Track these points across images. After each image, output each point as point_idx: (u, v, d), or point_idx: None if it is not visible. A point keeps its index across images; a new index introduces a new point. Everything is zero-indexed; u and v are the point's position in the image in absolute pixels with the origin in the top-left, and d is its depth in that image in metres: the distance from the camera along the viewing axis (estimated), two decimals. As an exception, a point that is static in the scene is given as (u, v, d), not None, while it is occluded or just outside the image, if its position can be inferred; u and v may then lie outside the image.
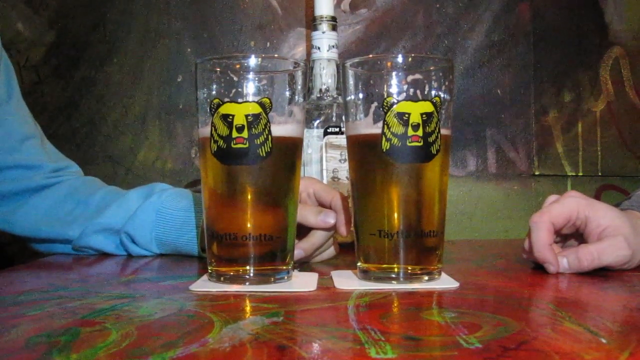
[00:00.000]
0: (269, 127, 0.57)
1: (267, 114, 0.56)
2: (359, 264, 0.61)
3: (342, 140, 0.90)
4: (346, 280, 0.60)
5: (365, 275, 0.60)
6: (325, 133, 0.91)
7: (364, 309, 0.48)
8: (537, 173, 1.21)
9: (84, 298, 0.53)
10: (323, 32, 0.96)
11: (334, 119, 0.93)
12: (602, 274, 0.62)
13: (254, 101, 0.56)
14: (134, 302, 0.50)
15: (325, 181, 0.91)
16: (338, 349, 0.37)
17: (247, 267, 0.58)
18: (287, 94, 0.59)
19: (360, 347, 0.37)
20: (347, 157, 0.64)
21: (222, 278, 0.58)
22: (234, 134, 0.56)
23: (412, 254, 0.58)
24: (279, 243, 0.59)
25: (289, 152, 0.60)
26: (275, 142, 0.57)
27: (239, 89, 0.57)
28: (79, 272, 0.74)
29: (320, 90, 0.96)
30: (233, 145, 0.56)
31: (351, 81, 0.60)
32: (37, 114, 0.93)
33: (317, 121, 0.92)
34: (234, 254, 0.58)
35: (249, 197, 0.58)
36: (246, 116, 0.56)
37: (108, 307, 0.49)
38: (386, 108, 0.57)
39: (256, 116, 0.56)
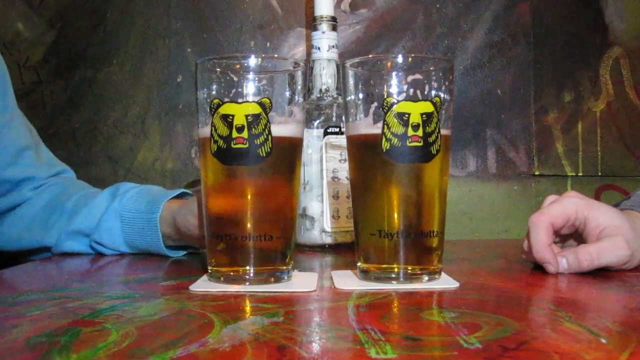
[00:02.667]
0: (269, 127, 0.57)
1: (267, 114, 0.56)
2: (359, 264, 0.61)
3: (342, 140, 0.90)
4: (346, 280, 0.60)
5: (365, 275, 0.60)
6: (325, 133, 0.91)
7: (364, 309, 0.48)
8: (537, 173, 1.21)
9: (84, 298, 0.53)
10: (323, 32, 0.96)
11: (334, 119, 0.93)
12: (602, 274, 0.62)
13: (254, 101, 0.56)
14: (134, 302, 0.50)
15: (325, 181, 0.91)
16: (338, 349, 0.37)
17: (247, 267, 0.58)
18: (287, 94, 0.59)
19: (360, 347, 0.37)
20: (347, 157, 0.64)
21: (222, 278, 0.58)
22: (234, 134, 0.56)
23: (412, 254, 0.58)
24: (279, 243, 0.59)
25: (289, 152, 0.60)
26: (275, 142, 0.57)
27: (239, 89, 0.57)
28: (79, 272, 0.74)
29: (320, 90, 0.95)
30: (233, 145, 0.56)
31: (351, 81, 0.60)
32: (37, 114, 0.94)
33: (317, 121, 0.92)
34: (234, 254, 0.58)
35: (249, 197, 0.58)
36: (246, 116, 0.56)
37: (108, 307, 0.49)
38: (386, 108, 0.57)
39: (256, 116, 0.56)
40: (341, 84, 0.62)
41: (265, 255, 0.58)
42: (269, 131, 0.57)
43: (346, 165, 0.87)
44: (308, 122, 0.92)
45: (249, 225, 0.58)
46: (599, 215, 0.62)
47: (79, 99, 1.18)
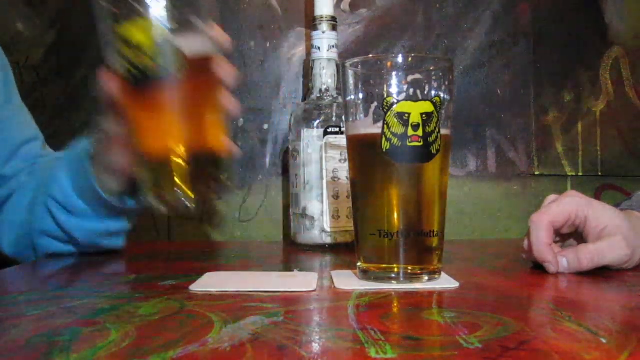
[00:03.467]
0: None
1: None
2: (359, 264, 0.61)
3: (342, 140, 0.90)
4: (346, 280, 0.60)
5: (365, 275, 0.60)
6: (325, 133, 0.91)
7: (364, 309, 0.48)
8: (537, 173, 1.21)
9: (84, 298, 0.53)
10: (323, 32, 0.96)
11: (334, 119, 0.93)
12: (602, 274, 0.62)
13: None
14: (134, 302, 0.50)
15: (325, 181, 0.91)
16: (338, 349, 0.37)
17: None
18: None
19: (360, 347, 0.37)
20: (347, 157, 0.64)
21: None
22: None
23: (412, 254, 0.58)
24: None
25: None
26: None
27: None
28: (79, 272, 0.74)
29: (320, 90, 0.95)
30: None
31: (351, 81, 0.60)
32: (37, 114, 0.93)
33: (317, 121, 0.92)
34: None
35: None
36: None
37: (108, 307, 0.49)
38: (386, 108, 0.57)
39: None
40: (341, 84, 0.62)
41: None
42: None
43: (346, 165, 0.87)
44: (308, 122, 0.92)
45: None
46: (599, 214, 0.63)
47: (79, 99, 1.18)
